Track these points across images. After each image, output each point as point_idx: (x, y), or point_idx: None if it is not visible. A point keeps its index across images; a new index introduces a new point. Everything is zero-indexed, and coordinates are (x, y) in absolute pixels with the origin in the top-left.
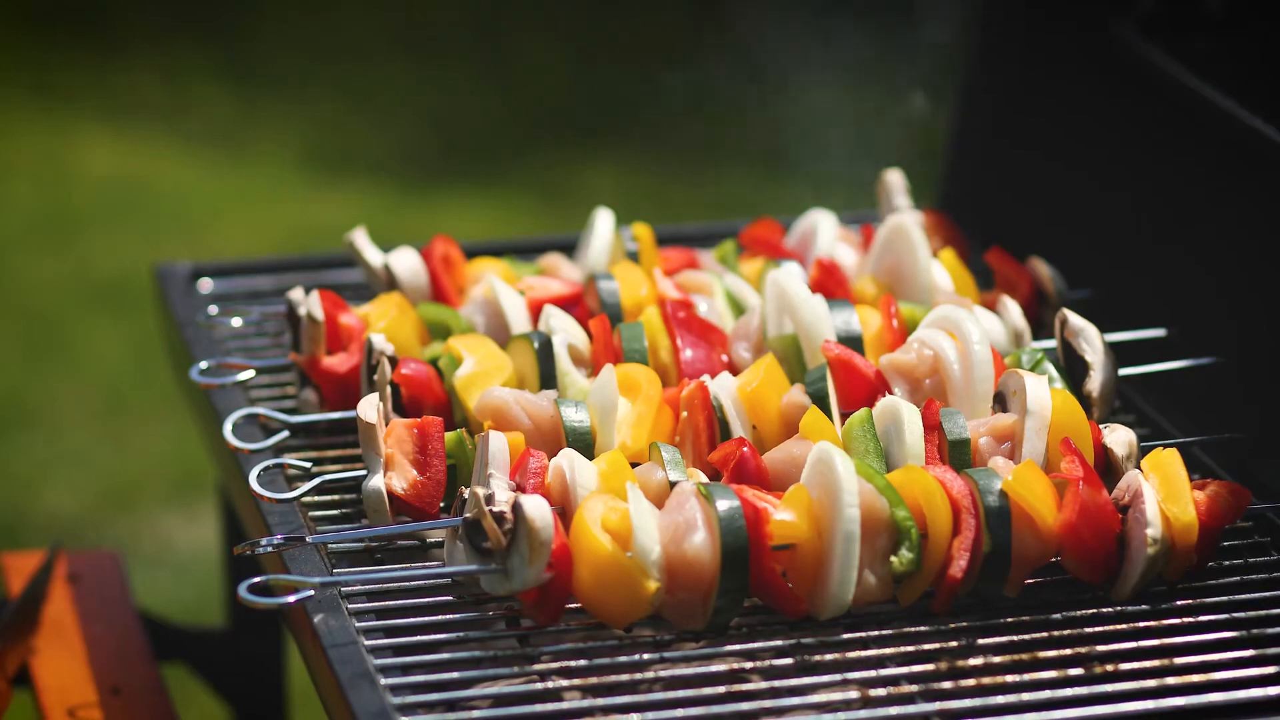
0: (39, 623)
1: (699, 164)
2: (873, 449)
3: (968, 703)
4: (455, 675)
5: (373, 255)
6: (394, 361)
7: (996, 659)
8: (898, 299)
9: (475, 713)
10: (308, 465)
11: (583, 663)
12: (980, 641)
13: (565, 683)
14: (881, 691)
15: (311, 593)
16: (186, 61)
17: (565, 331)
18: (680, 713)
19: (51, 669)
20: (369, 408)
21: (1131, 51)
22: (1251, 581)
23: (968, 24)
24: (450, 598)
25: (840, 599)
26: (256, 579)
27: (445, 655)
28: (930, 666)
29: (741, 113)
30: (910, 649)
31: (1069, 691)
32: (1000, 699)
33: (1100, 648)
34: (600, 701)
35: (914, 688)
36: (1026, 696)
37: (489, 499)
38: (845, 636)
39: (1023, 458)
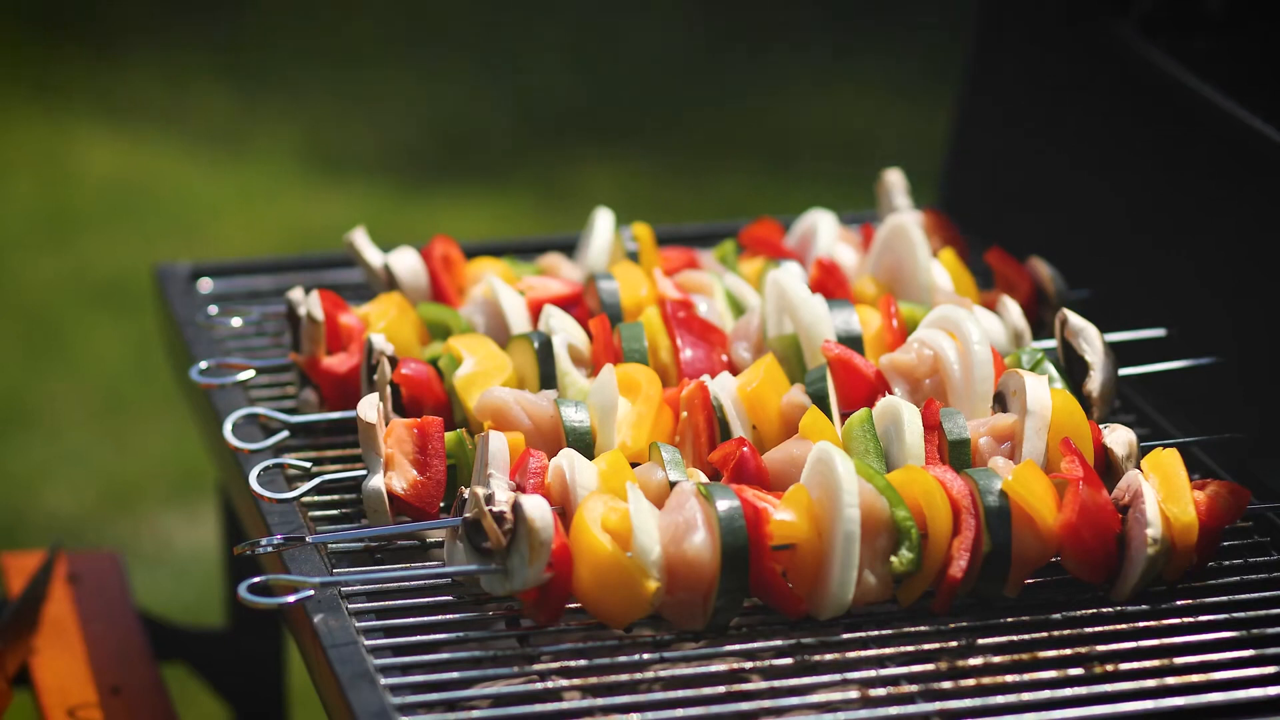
0: (39, 623)
1: (699, 164)
2: (873, 449)
3: (968, 703)
4: (455, 675)
5: (373, 255)
6: (394, 361)
7: (996, 659)
8: (898, 299)
9: (475, 713)
10: (308, 465)
11: (583, 663)
12: (980, 641)
13: (565, 683)
14: (881, 691)
15: (311, 593)
16: (186, 61)
17: (565, 331)
18: (680, 713)
19: (51, 669)
20: (369, 408)
21: (1131, 51)
22: (1251, 581)
23: (967, 24)
24: (450, 598)
25: (840, 599)
26: (256, 579)
27: (445, 655)
28: (930, 666)
29: (742, 113)
30: (910, 649)
31: (1069, 691)
32: (1000, 699)
33: (1100, 648)
34: (600, 701)
35: (914, 688)
36: (1026, 696)
37: (489, 499)
38: (845, 636)
39: (1023, 458)
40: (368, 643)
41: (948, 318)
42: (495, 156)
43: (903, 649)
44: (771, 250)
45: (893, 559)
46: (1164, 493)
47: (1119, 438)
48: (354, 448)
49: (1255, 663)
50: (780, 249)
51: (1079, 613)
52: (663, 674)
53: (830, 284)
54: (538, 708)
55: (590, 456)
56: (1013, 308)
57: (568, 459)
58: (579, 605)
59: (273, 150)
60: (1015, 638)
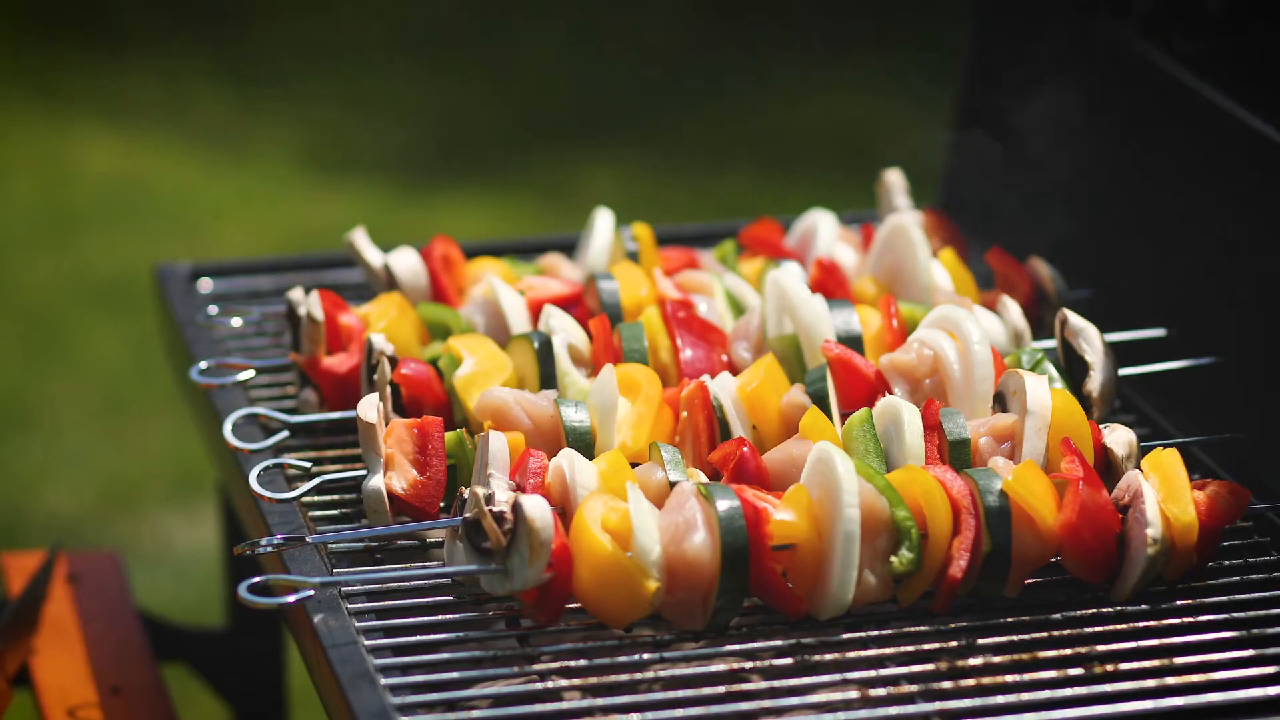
0: (39, 623)
1: (699, 164)
2: (873, 449)
3: (968, 703)
4: (455, 675)
5: (373, 255)
6: (394, 361)
7: (996, 659)
8: (898, 299)
9: (475, 713)
10: (308, 465)
11: (583, 663)
12: (980, 641)
13: (565, 683)
14: (881, 691)
15: (311, 593)
16: (186, 61)
17: (565, 331)
18: (680, 713)
19: (51, 669)
20: (369, 408)
21: (1131, 51)
22: (1251, 581)
23: (967, 23)
24: (450, 598)
25: (840, 599)
26: (256, 579)
27: (445, 655)
28: (930, 666)
29: (742, 113)
30: (910, 649)
31: (1069, 691)
32: (1000, 699)
33: (1100, 648)
34: (600, 701)
35: (914, 688)
36: (1026, 696)
37: (489, 499)
38: (845, 636)
39: (1023, 458)
40: (368, 643)
41: (948, 318)
42: (495, 156)
43: (903, 649)
44: (771, 250)
45: (893, 559)
46: (1164, 493)
47: (1119, 438)
48: (354, 448)
49: (1255, 663)
50: (780, 249)
51: (1079, 613)
52: (663, 674)
53: (830, 284)
54: (538, 708)
55: (590, 456)
56: (1013, 308)
57: (568, 459)
58: (579, 605)
59: (273, 150)
60: (1015, 638)
